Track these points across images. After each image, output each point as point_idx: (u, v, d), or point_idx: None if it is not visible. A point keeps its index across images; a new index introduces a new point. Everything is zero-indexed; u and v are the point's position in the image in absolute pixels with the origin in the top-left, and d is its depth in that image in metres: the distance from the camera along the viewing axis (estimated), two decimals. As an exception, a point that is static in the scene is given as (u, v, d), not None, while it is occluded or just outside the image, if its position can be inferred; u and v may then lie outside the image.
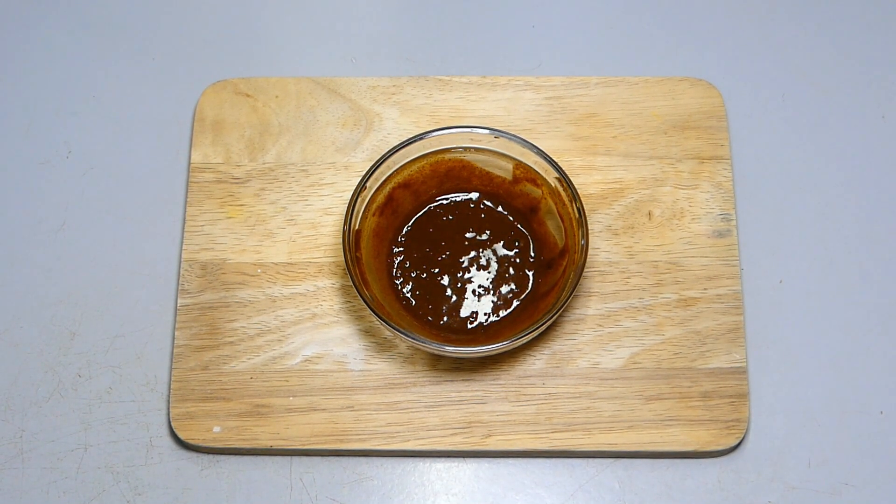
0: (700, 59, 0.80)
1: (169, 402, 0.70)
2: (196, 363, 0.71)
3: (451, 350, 0.67)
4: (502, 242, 0.73)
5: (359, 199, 0.70)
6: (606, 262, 0.73)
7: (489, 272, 0.72)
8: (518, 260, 0.72)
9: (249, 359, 0.71)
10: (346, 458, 0.70)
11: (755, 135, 0.78)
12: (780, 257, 0.75)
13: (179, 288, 0.73)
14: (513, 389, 0.70)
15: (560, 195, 0.70)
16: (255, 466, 0.70)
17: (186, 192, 0.75)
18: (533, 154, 0.71)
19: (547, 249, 0.72)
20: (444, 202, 0.74)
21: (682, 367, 0.71)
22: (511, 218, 0.73)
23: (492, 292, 0.72)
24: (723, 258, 0.73)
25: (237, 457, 0.70)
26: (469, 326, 0.71)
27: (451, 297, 0.71)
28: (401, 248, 0.73)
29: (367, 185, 0.70)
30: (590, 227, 0.71)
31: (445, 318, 0.71)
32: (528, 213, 0.73)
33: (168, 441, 0.71)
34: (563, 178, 0.70)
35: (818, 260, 0.75)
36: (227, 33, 0.81)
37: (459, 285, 0.72)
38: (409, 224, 0.73)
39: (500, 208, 0.73)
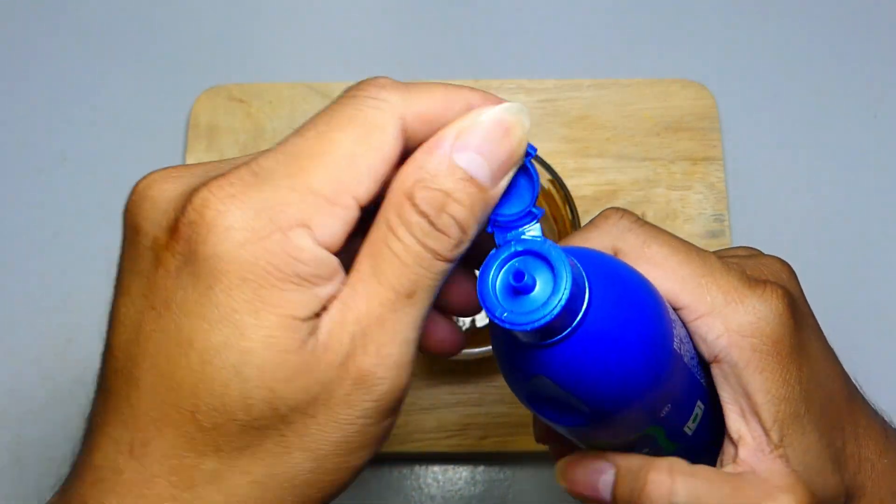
0: (692, 60, 0.80)
1: (165, 407, 0.70)
2: (192, 368, 0.71)
3: (447, 352, 0.67)
4: (496, 245, 0.73)
5: (353, 203, 0.70)
6: (600, 264, 0.73)
7: (484, 275, 0.72)
8: (512, 262, 0.72)
9: (245, 363, 0.71)
10: (343, 462, 0.70)
11: (747, 135, 0.78)
12: (774, 257, 0.75)
13: (175, 293, 0.73)
14: (509, 391, 0.70)
15: (553, 197, 0.70)
16: (252, 471, 0.70)
17: (181, 197, 0.75)
18: (526, 156, 0.71)
19: (541, 251, 0.72)
20: (438, 205, 0.74)
21: (677, 368, 0.71)
22: (505, 220, 0.73)
23: (486, 295, 0.71)
24: (716, 258, 0.73)
25: (234, 461, 0.70)
26: (464, 328, 0.71)
27: (446, 299, 0.71)
28: (395, 252, 0.72)
29: (361, 188, 0.70)
30: (583, 229, 0.71)
31: (440, 321, 0.71)
32: (522, 215, 0.73)
33: (165, 446, 0.70)
34: (557, 180, 0.70)
35: (811, 260, 0.75)
36: (220, 39, 0.82)
37: (454, 288, 0.72)
38: (404, 227, 0.73)
39: (493, 211, 0.73)
